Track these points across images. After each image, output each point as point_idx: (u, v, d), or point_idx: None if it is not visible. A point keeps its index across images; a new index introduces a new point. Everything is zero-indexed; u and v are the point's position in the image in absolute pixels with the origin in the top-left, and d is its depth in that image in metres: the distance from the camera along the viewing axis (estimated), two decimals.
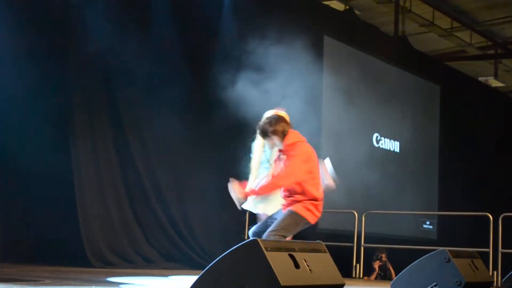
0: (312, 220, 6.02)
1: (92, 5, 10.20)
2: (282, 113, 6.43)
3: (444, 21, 15.97)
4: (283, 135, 6.09)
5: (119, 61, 10.54)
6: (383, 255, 12.76)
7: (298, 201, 6.01)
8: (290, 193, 6.06)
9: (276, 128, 6.08)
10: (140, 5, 11.18)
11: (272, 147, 6.22)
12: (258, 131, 6.25)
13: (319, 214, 6.06)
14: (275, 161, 6.27)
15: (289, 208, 6.01)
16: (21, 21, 9.80)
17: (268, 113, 6.43)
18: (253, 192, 6.18)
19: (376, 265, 12.75)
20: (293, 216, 5.96)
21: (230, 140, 10.92)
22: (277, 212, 6.18)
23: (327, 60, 13.83)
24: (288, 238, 6.05)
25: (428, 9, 15.48)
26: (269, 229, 5.94)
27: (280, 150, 6.16)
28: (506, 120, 19.18)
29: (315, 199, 6.00)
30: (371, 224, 12.43)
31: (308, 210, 5.98)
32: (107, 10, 10.32)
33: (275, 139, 6.11)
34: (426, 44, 17.13)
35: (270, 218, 6.22)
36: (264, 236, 5.93)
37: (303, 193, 6.00)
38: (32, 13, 9.97)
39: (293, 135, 6.14)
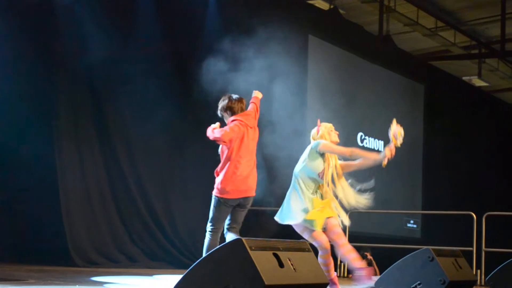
0: (231, 195, 6.30)
1: (79, 8, 10.18)
2: (327, 124, 6.54)
3: (428, 21, 16.02)
4: (231, 112, 6.50)
5: (104, 63, 10.51)
6: (368, 254, 12.78)
7: (215, 184, 6.39)
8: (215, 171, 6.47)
9: (225, 105, 6.54)
10: (125, 7, 11.15)
11: (227, 123, 6.54)
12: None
13: (241, 187, 6.31)
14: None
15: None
16: (9, 24, 9.76)
17: (313, 130, 6.53)
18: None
19: None
20: (213, 202, 6.37)
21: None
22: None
23: (311, 59, 13.85)
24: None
25: (412, 9, 15.51)
26: None
27: None
28: (490, 119, 19.27)
29: (227, 176, 6.27)
30: (355, 223, 12.44)
31: (221, 190, 6.29)
32: (93, 12, 10.30)
33: (225, 116, 6.55)
34: (411, 44, 17.18)
35: None
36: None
37: (221, 172, 6.36)
38: (20, 17, 9.92)
39: (241, 115, 6.47)
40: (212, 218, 6.35)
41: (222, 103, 6.55)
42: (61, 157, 10.20)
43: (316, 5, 14.65)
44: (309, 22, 13.96)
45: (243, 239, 4.12)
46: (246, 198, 6.37)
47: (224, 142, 6.28)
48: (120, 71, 10.80)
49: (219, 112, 6.60)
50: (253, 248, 4.11)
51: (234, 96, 6.59)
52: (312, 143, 6.31)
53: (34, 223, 10.11)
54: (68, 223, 10.08)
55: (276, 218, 6.29)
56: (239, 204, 6.37)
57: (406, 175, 16.69)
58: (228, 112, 6.49)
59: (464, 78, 18.25)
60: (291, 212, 6.14)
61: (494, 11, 15.48)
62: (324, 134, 6.43)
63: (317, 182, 6.23)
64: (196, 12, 11.82)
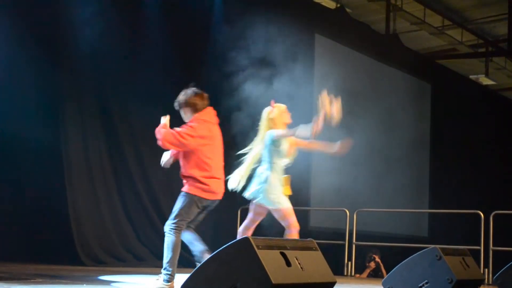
0: (206, 195, 6.10)
1: (84, 4, 10.20)
2: (280, 105, 6.61)
3: (435, 19, 15.98)
4: (194, 109, 6.17)
5: (109, 60, 10.53)
6: (377, 257, 12.75)
7: (187, 182, 6.15)
8: (182, 174, 6.22)
9: (188, 101, 6.18)
10: (131, 5, 11.17)
11: (186, 119, 6.25)
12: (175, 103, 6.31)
13: (215, 190, 6.14)
14: None
15: (182, 190, 6.16)
16: (15, 14, 9.78)
17: (266, 109, 6.59)
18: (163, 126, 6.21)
19: (370, 265, 12.75)
20: (184, 198, 6.11)
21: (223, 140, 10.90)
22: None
23: (318, 58, 13.83)
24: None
25: (419, 7, 15.48)
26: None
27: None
28: (497, 118, 19.23)
29: (197, 179, 6.06)
30: (363, 222, 12.43)
31: (197, 187, 6.07)
32: (99, 7, 10.32)
33: (187, 112, 6.22)
34: (417, 42, 17.15)
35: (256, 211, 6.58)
36: (165, 225, 6.16)
37: (188, 172, 6.12)
38: (26, 9, 9.95)
39: (205, 113, 6.20)
40: (176, 216, 6.10)
41: (182, 99, 6.21)
42: (68, 157, 10.21)
43: (323, 4, 14.64)
44: (316, 21, 13.96)
45: (250, 238, 4.11)
46: (215, 201, 6.26)
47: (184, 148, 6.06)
48: (126, 67, 10.81)
49: (176, 105, 6.26)
50: (260, 247, 4.10)
51: (195, 90, 6.24)
52: (268, 135, 6.50)
53: (41, 222, 10.13)
54: (75, 222, 10.10)
55: (261, 201, 6.41)
56: (207, 206, 6.22)
57: (413, 174, 16.66)
58: (192, 108, 6.18)
59: (471, 76, 18.21)
60: (278, 196, 6.42)
61: (501, 9, 15.44)
62: (276, 116, 6.53)
63: (285, 162, 6.56)
64: (202, 10, 11.83)
